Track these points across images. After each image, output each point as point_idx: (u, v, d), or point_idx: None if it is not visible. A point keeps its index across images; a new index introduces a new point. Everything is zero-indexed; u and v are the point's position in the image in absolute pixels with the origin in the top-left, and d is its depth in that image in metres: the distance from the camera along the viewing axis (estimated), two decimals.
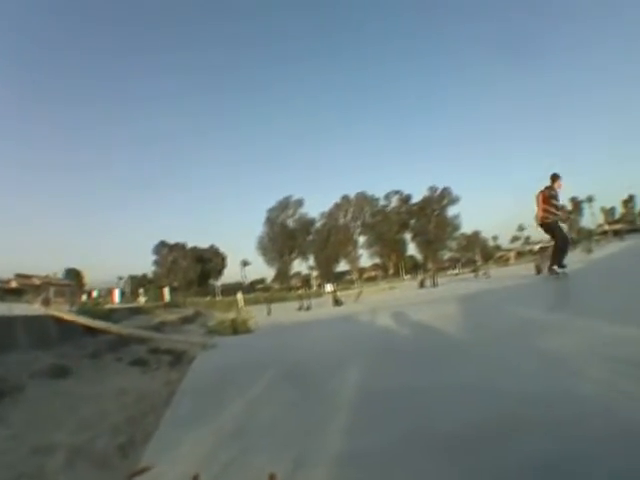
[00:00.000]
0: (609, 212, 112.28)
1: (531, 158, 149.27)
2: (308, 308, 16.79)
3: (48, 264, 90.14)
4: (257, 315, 12.33)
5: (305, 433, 2.56)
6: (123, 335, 6.57)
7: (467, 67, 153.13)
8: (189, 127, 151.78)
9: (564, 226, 11.63)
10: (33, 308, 13.05)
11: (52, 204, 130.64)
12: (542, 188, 11.10)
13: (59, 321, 6.16)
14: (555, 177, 11.23)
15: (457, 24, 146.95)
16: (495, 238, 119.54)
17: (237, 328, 9.17)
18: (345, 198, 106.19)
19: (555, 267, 10.51)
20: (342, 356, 4.85)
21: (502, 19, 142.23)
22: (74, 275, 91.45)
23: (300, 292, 25.91)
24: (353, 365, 4.23)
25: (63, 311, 7.06)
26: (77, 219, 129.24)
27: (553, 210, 10.98)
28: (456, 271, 53.56)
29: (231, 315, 11.10)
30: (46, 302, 20.37)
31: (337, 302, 16.75)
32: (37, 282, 66.10)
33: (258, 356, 5.84)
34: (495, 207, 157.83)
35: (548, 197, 10.96)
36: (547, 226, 11.00)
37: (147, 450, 2.62)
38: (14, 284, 65.24)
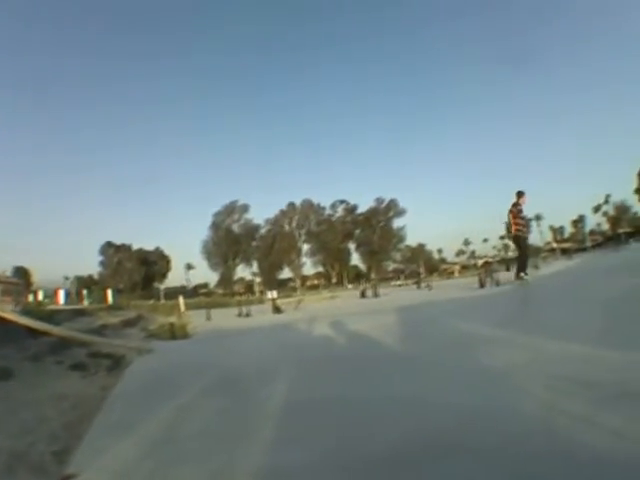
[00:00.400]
0: (557, 231, 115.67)
1: (481, 174, 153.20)
2: (247, 315, 16.65)
3: None
4: (197, 320, 12.34)
5: (231, 444, 2.52)
6: (65, 337, 6.32)
7: (416, 80, 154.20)
8: (136, 128, 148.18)
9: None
10: None
11: (1, 201, 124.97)
12: (510, 206, 12.30)
13: (2, 321, 5.89)
14: (520, 194, 12.44)
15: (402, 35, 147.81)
16: (440, 251, 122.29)
17: (175, 333, 9.07)
18: (291, 205, 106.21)
19: (522, 274, 11.78)
20: (275, 365, 4.82)
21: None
22: (22, 273, 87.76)
23: (239, 298, 25.54)
24: (285, 375, 4.22)
25: (7, 311, 6.67)
26: (26, 216, 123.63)
27: (522, 225, 12.39)
28: (399, 282, 54.19)
29: (172, 319, 11.23)
30: None
31: (277, 310, 16.70)
32: None
33: (192, 362, 5.80)
34: (441, 221, 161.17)
35: (517, 213, 12.21)
36: (517, 239, 12.50)
37: (76, 457, 2.53)
38: None
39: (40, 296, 42.98)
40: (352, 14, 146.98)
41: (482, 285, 14.26)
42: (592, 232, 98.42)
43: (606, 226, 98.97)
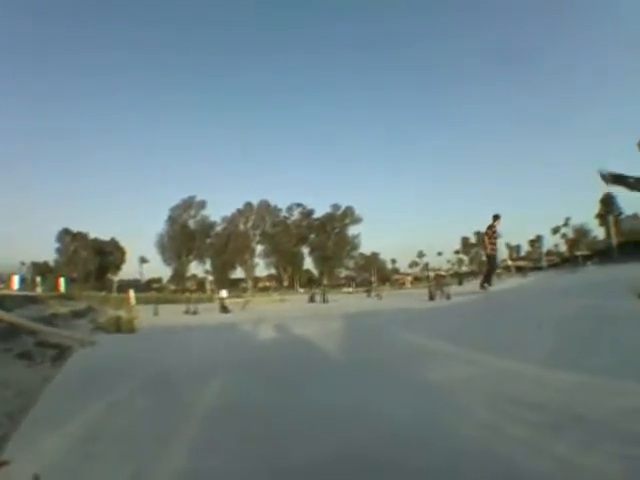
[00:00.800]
0: (514, 249, 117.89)
1: (439, 188, 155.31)
2: (195, 312, 16.54)
3: None
4: (145, 315, 12.41)
5: (153, 444, 2.51)
6: (14, 325, 6.26)
7: (379, 91, 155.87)
8: (97, 115, 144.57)
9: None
10: None
11: None
12: (486, 228, 14.29)
13: None
14: (496, 217, 14.29)
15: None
16: (394, 261, 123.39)
17: (121, 327, 9.10)
18: (248, 205, 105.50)
19: (486, 284, 13.82)
20: (211, 366, 4.81)
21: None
22: None
23: (189, 295, 25.17)
24: (219, 377, 4.21)
25: None
26: None
27: (495, 244, 14.22)
28: (350, 289, 54.41)
29: (121, 312, 11.09)
30: None
31: (224, 309, 16.56)
32: None
33: (130, 358, 5.70)
34: (397, 231, 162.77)
35: (492, 234, 14.10)
36: (490, 257, 14.35)
37: (9, 445, 2.54)
38: None
39: None
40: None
41: (432, 297, 14.35)
42: (549, 252, 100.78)
43: (564, 248, 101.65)
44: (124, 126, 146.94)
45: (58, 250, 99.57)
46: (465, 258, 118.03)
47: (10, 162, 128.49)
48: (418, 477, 1.89)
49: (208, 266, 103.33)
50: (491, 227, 14.16)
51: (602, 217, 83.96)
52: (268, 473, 2.07)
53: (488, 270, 14.62)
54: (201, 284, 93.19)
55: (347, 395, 3.32)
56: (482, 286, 13.95)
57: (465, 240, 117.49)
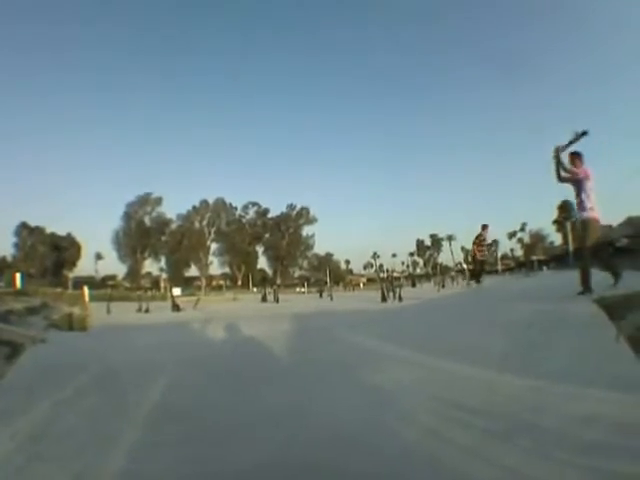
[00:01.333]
0: (469, 253, 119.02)
1: (393, 192, 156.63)
2: (146, 311, 16.12)
3: None
4: (97, 312, 12.40)
5: (97, 445, 2.50)
6: None
7: (336, 90, 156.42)
8: (51, 109, 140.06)
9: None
10: None
11: None
12: (474, 238, 16.91)
13: None
14: (485, 227, 17.07)
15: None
16: (348, 262, 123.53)
17: (73, 325, 9.01)
18: (204, 202, 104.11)
19: (480, 280, 16.87)
20: (157, 365, 4.79)
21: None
22: None
23: (141, 293, 24.71)
24: (164, 377, 4.19)
25: None
26: None
27: (484, 250, 17.05)
28: (303, 289, 54.33)
29: (75, 309, 10.86)
30: None
31: (176, 308, 16.31)
32: None
33: (80, 357, 5.68)
34: (351, 233, 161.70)
35: (480, 242, 16.73)
36: (480, 261, 17.10)
37: None
38: None
39: None
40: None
41: (384, 299, 14.40)
42: (504, 257, 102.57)
43: (520, 252, 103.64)
44: (80, 120, 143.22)
45: (16, 245, 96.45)
46: (420, 261, 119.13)
47: None
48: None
49: (163, 264, 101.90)
50: (479, 236, 16.85)
51: (559, 223, 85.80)
52: (207, 476, 2.08)
53: (479, 270, 17.47)
54: (156, 282, 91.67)
55: (290, 396, 3.30)
56: (477, 281, 16.99)
57: (420, 243, 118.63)
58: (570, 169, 7.36)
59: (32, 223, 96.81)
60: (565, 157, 7.45)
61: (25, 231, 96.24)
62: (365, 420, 2.62)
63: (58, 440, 2.62)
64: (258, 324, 8.73)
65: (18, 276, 41.50)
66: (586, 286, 6.89)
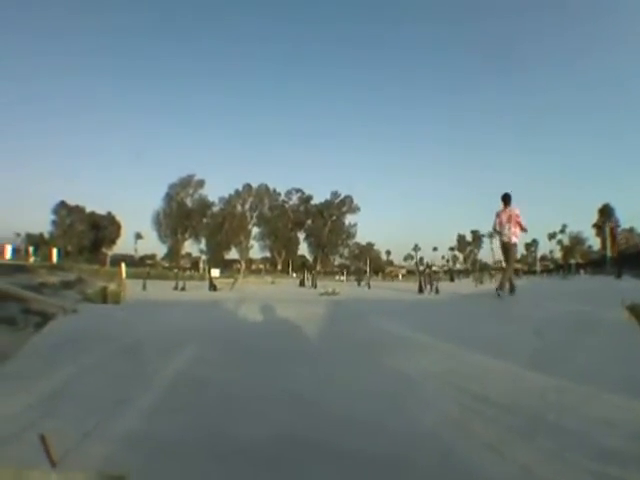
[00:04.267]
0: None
1: (438, 186, 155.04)
2: (183, 289, 16.39)
3: None
4: (133, 288, 12.37)
5: (111, 407, 2.53)
6: (1, 291, 6.36)
7: (383, 82, 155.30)
8: (97, 90, 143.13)
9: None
10: None
11: None
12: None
13: None
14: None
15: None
16: (388, 253, 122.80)
17: (107, 298, 9.05)
18: (247, 186, 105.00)
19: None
20: (185, 339, 4.78)
21: None
22: None
23: (178, 272, 25.09)
24: (191, 350, 4.23)
25: None
26: None
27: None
28: (342, 277, 54.25)
29: (111, 285, 10.80)
30: None
31: (213, 287, 16.47)
32: None
33: (109, 327, 5.76)
34: (394, 223, 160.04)
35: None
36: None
37: None
38: None
39: None
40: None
41: (421, 290, 14.31)
42: (543, 258, 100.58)
43: (558, 254, 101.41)
44: (124, 101, 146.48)
45: (54, 222, 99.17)
46: (460, 256, 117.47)
47: (10, 134, 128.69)
48: (369, 465, 1.81)
49: (203, 245, 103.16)
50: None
51: (599, 227, 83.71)
52: (212, 443, 2.06)
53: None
54: (195, 263, 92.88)
55: (312, 376, 3.30)
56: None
57: (461, 238, 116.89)
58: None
59: (73, 202, 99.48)
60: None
61: (64, 209, 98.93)
62: (385, 405, 2.59)
63: (75, 401, 2.67)
64: (292, 307, 8.73)
65: (54, 251, 42.72)
66: None
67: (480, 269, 54.08)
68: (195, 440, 2.08)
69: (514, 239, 10.83)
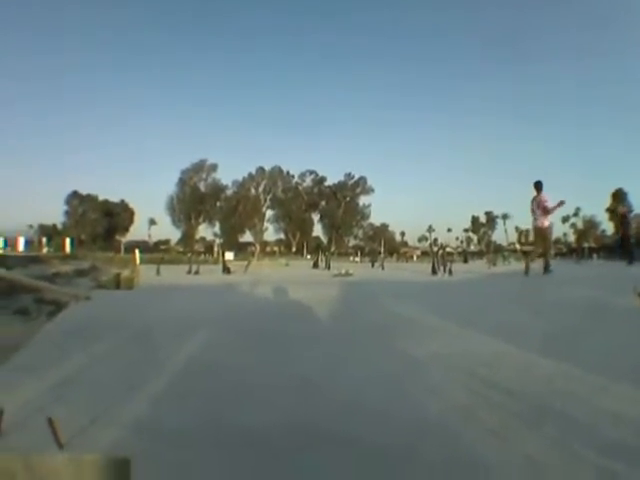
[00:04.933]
0: (523, 233, 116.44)
1: (452, 167, 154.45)
2: (196, 272, 16.56)
3: None
4: (147, 274, 12.79)
5: (121, 393, 2.56)
6: (15, 282, 6.47)
7: (395, 59, 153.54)
8: (107, 77, 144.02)
9: None
10: None
11: None
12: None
13: None
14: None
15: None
16: (403, 234, 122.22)
17: (120, 284, 9.21)
18: (260, 169, 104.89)
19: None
20: (197, 323, 4.83)
21: None
22: None
23: (192, 256, 25.21)
24: (202, 334, 4.25)
25: None
26: None
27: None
28: (357, 259, 54.28)
29: (124, 271, 11.03)
30: None
31: (226, 270, 16.58)
32: None
33: (122, 313, 5.78)
34: (409, 205, 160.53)
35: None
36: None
37: None
38: None
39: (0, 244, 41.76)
40: None
41: (434, 272, 14.32)
42: (557, 241, 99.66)
43: (572, 237, 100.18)
44: (134, 87, 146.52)
45: (67, 213, 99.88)
46: (474, 237, 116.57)
47: (20, 125, 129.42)
48: (372, 451, 1.78)
49: (217, 229, 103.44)
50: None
51: (612, 212, 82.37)
52: (215, 429, 2.07)
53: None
54: (209, 247, 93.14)
55: (319, 359, 3.30)
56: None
57: (475, 219, 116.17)
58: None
59: (84, 191, 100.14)
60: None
61: (76, 199, 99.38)
62: (391, 389, 2.57)
63: (85, 387, 2.71)
64: (305, 289, 8.78)
65: (68, 241, 42.94)
66: None
67: (494, 251, 53.82)
68: (202, 426, 2.10)
69: (545, 223, 11.83)
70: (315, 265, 23.34)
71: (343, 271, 15.07)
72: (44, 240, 52.95)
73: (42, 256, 15.74)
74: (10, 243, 43.39)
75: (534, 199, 12.11)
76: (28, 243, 47.95)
